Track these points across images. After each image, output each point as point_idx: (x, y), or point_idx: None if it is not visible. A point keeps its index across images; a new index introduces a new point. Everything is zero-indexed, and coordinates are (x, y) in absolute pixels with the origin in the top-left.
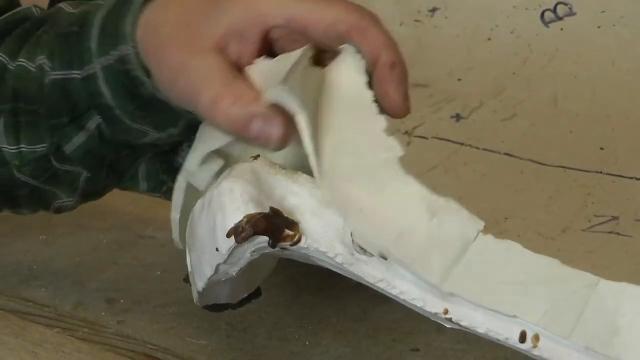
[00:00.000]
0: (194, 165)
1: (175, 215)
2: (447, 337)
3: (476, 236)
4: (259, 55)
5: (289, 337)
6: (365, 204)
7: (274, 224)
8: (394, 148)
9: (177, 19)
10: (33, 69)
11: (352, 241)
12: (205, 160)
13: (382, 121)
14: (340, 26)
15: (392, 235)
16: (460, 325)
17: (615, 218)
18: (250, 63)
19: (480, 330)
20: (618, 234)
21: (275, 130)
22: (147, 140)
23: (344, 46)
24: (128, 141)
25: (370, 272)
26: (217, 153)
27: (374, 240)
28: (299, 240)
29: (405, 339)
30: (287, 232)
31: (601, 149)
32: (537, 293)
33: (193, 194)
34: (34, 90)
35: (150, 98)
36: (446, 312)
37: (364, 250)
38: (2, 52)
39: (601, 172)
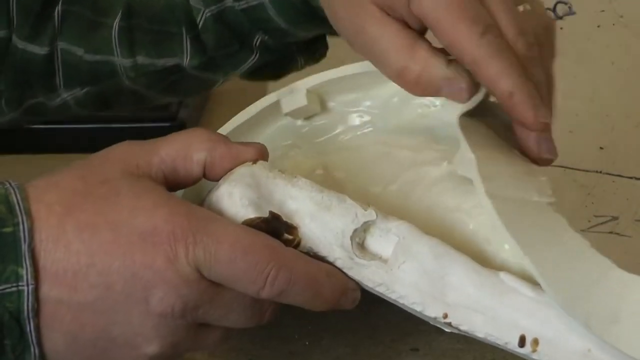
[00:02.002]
0: (301, 87)
1: (228, 125)
2: (446, 337)
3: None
4: None
5: (289, 337)
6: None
7: (273, 228)
8: (547, 193)
9: None
10: None
11: (352, 245)
12: (312, 90)
13: (539, 171)
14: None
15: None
16: (459, 330)
17: (615, 218)
18: None
19: (480, 334)
20: (618, 234)
21: (463, 85)
22: (311, 34)
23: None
24: (290, 41)
25: (369, 277)
26: None
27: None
28: (298, 244)
29: (405, 339)
30: (287, 236)
31: (601, 148)
32: (556, 255)
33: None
34: (163, 10)
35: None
36: (445, 316)
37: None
38: None
39: (601, 172)
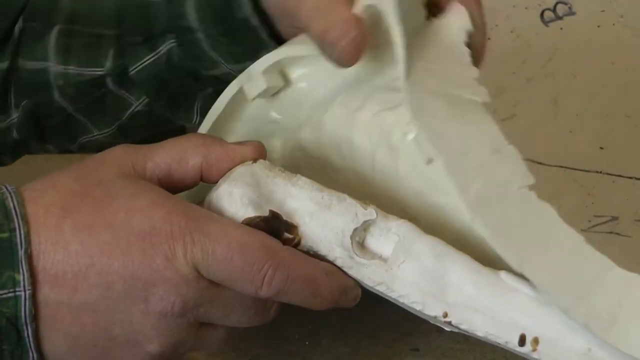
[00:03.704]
0: (257, 71)
1: (206, 123)
2: (446, 336)
3: (519, 188)
4: None
5: (289, 337)
6: (442, 117)
7: (273, 227)
8: (482, 93)
9: None
10: None
11: (352, 244)
12: (269, 70)
13: (475, 72)
14: None
15: (452, 148)
16: (459, 329)
17: (615, 218)
18: None
19: (480, 333)
20: (618, 234)
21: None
22: (216, 73)
23: (457, 5)
24: (196, 70)
25: (369, 276)
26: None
27: (431, 143)
28: (298, 244)
29: (405, 338)
30: (287, 235)
31: (601, 148)
32: (552, 257)
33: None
34: (106, 11)
35: (242, 24)
36: (445, 315)
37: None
38: None
39: (601, 172)
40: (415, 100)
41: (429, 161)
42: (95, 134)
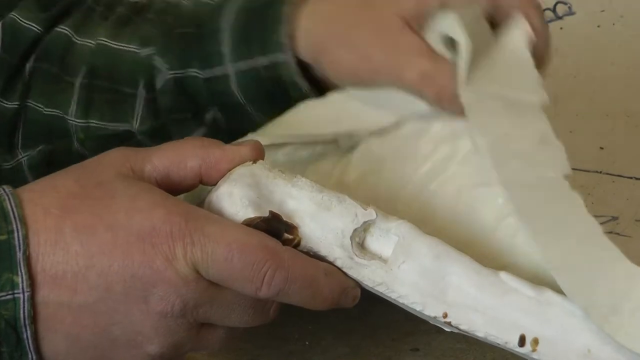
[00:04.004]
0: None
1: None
2: (446, 336)
3: (555, 176)
4: None
5: (288, 337)
6: (496, 114)
7: (273, 227)
8: (542, 95)
9: (352, 6)
10: (123, 51)
11: (352, 244)
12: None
13: (537, 76)
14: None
15: (498, 134)
16: (459, 329)
17: (615, 218)
18: None
19: (480, 334)
20: (618, 234)
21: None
22: (265, 117)
23: (518, 15)
24: (243, 127)
25: (369, 276)
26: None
27: (480, 133)
28: (298, 244)
29: (405, 338)
30: (287, 235)
31: (601, 148)
32: (567, 240)
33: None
34: (126, 70)
35: (298, 98)
36: (445, 315)
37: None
38: (67, 26)
39: (601, 172)
40: (471, 100)
41: (477, 149)
42: None
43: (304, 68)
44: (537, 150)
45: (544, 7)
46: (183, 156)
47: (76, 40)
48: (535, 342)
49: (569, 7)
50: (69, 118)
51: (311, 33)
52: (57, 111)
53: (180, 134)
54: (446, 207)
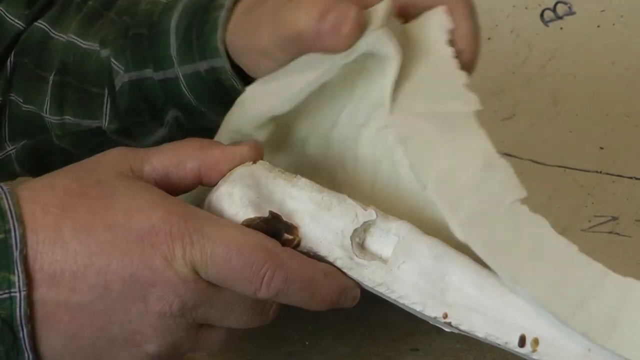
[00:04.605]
0: (249, 127)
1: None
2: (446, 336)
3: (511, 202)
4: None
5: (288, 337)
6: (430, 140)
7: (273, 228)
8: (473, 102)
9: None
10: (90, 50)
11: (352, 245)
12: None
13: (463, 76)
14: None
15: (441, 170)
16: (459, 330)
17: (615, 218)
18: None
19: (480, 334)
20: (618, 234)
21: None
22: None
23: (435, 8)
24: (204, 125)
25: (369, 277)
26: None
27: (421, 169)
28: (298, 244)
29: (405, 338)
30: (287, 236)
31: (601, 148)
32: (546, 269)
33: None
34: (92, 70)
35: (233, 91)
36: (445, 316)
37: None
38: (44, 20)
39: (601, 172)
40: (401, 128)
41: (423, 188)
42: None
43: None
44: (485, 178)
45: (544, 7)
46: (182, 157)
47: (52, 35)
48: (536, 342)
49: (569, 7)
50: (44, 115)
51: (233, 37)
52: (33, 108)
53: (143, 134)
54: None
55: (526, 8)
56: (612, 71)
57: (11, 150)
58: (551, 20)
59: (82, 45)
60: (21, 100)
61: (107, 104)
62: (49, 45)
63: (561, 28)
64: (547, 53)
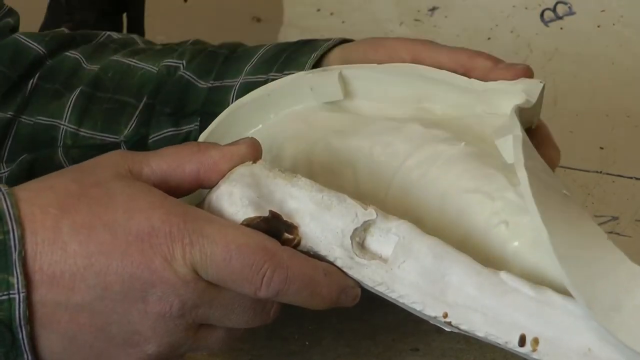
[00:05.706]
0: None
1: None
2: (446, 336)
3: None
4: None
5: (288, 337)
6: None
7: (273, 227)
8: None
9: None
10: (135, 66)
11: (352, 244)
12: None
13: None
14: None
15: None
16: (459, 329)
17: (615, 218)
18: None
19: (480, 334)
20: (618, 234)
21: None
22: None
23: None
24: None
25: (369, 276)
26: None
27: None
28: (298, 244)
29: (405, 339)
30: (287, 235)
31: (601, 148)
32: (573, 240)
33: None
34: (134, 83)
35: None
36: (445, 315)
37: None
38: (78, 52)
39: (601, 172)
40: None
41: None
42: None
43: None
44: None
45: (544, 7)
46: (181, 161)
47: (85, 66)
48: (536, 342)
49: (569, 7)
50: (62, 123)
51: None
52: (50, 119)
53: (153, 129)
54: (432, 211)
55: (526, 8)
56: (612, 71)
57: (4, 172)
58: (551, 20)
59: (128, 62)
60: (35, 116)
61: (137, 114)
62: (80, 73)
63: (561, 28)
64: (547, 53)
